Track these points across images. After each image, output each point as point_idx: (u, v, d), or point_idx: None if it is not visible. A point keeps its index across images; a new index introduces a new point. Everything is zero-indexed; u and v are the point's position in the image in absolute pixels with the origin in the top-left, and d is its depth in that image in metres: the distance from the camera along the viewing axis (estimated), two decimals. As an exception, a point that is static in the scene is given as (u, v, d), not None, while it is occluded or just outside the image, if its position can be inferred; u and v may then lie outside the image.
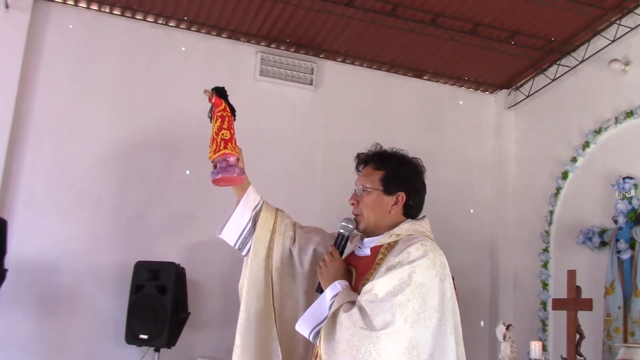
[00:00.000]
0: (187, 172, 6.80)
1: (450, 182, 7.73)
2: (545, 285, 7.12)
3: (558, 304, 5.98)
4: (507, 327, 5.40)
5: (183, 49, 7.13)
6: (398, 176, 2.67)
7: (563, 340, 5.78)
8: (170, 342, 5.99)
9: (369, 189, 2.67)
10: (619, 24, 6.64)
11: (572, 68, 7.26)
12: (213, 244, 6.50)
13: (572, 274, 5.71)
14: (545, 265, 7.16)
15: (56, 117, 6.57)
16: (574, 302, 5.64)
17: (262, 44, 7.44)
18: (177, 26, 7.18)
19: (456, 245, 7.49)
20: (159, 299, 6.02)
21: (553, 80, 7.51)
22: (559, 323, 6.49)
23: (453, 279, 7.45)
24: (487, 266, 7.92)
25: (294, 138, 7.39)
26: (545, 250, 7.19)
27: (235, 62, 7.28)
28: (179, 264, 6.25)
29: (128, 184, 6.72)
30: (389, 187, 2.66)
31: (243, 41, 7.39)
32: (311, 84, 7.49)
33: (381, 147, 2.78)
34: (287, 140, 7.34)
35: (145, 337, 5.98)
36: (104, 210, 6.59)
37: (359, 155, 2.81)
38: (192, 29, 7.22)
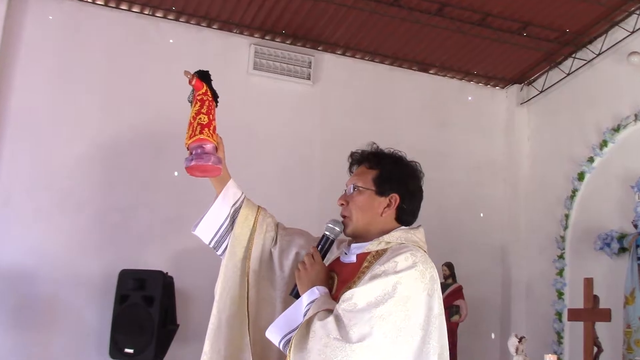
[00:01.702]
0: (176, 173, 6.78)
1: (458, 184, 7.71)
2: (560, 294, 7.10)
3: (574, 315, 5.96)
4: (520, 340, 5.39)
5: (171, 41, 7.11)
6: (393, 177, 2.62)
7: (580, 354, 5.74)
8: (158, 356, 5.96)
9: (361, 189, 2.63)
10: (639, 14, 6.64)
11: (589, 61, 7.24)
12: (203, 250, 6.47)
13: (589, 282, 5.69)
14: (560, 272, 7.14)
15: (35, 114, 6.55)
16: (592, 312, 5.62)
17: (256, 35, 7.43)
18: (164, 17, 7.17)
19: (464, 251, 7.48)
20: (146, 310, 6.00)
21: (568, 74, 7.49)
22: (575, 335, 6.47)
23: (461, 288, 7.44)
24: (497, 274, 7.90)
25: (290, 136, 7.38)
26: (561, 256, 7.18)
27: (227, 55, 7.26)
28: (167, 273, 6.23)
29: (112, 186, 6.70)
30: (382, 188, 2.62)
31: (235, 32, 7.38)
32: (309, 79, 7.48)
33: (377, 146, 2.76)
34: (282, 138, 7.32)
35: (130, 351, 5.94)
36: (86, 214, 6.57)
37: (352, 155, 2.78)
38: (180, 19, 7.21)
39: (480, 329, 7.46)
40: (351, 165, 2.76)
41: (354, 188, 2.65)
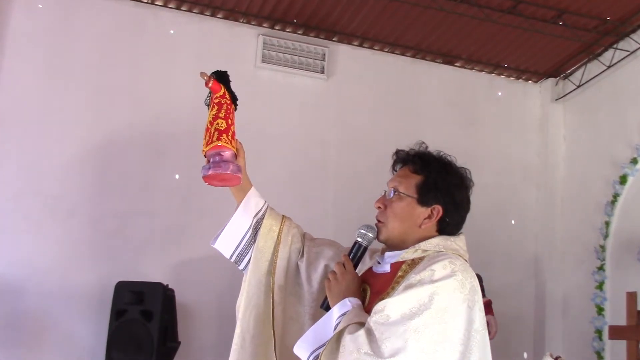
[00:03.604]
0: (177, 176, 6.82)
1: (488, 188, 7.68)
2: (600, 310, 7.07)
3: (616, 332, 5.94)
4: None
5: (171, 32, 7.15)
6: (438, 186, 2.61)
7: (622, 376, 5.76)
8: (157, 376, 6.00)
9: (402, 194, 2.62)
10: (687, 0, 6.62)
11: (632, 52, 7.21)
12: (207, 261, 6.53)
13: (632, 297, 5.67)
14: (600, 286, 7.11)
15: (23, 112, 6.59)
16: (635, 329, 5.60)
17: (265, 25, 7.46)
18: (164, 5, 7.20)
19: (495, 263, 7.46)
20: (144, 325, 6.02)
21: (609, 67, 7.47)
22: (617, 355, 6.45)
23: (491, 303, 7.41)
24: (530, 287, 7.89)
25: (302, 136, 7.40)
26: (600, 268, 7.14)
27: (233, 47, 7.29)
28: (168, 285, 6.26)
29: (107, 191, 6.74)
30: (425, 197, 2.61)
31: (242, 22, 7.41)
32: (322, 72, 7.50)
33: (426, 147, 2.73)
34: (293, 137, 7.34)
35: (127, 370, 5.99)
36: (79, 221, 6.60)
37: (397, 153, 2.76)
38: (182, 8, 7.24)
39: (512, 348, 7.43)
40: (395, 163, 2.73)
41: (394, 192, 2.64)
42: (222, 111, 2.75)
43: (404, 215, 2.61)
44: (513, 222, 7.93)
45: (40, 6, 6.77)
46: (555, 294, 7.73)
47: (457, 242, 2.62)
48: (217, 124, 2.73)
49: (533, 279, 7.91)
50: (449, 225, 2.65)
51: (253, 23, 7.42)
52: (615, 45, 7.39)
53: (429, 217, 2.61)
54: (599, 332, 7.02)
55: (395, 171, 2.74)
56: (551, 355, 5.43)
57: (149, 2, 7.14)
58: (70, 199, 6.60)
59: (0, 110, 6.53)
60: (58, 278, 6.41)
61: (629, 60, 7.28)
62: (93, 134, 6.75)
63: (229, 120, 2.76)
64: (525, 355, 7.61)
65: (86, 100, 6.79)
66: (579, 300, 7.39)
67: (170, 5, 7.20)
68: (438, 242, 2.58)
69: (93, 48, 6.88)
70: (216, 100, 2.77)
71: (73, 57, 6.81)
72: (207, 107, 2.82)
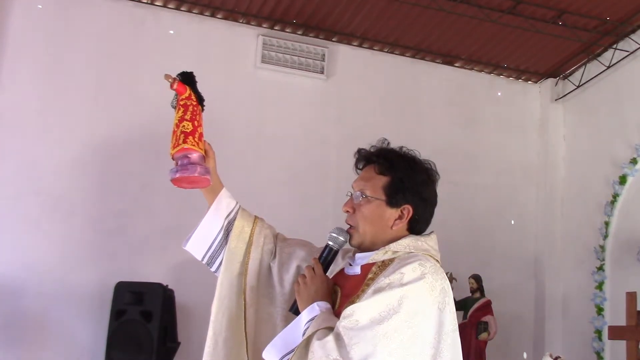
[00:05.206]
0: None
1: (488, 188, 7.67)
2: (600, 310, 7.05)
3: (616, 333, 5.92)
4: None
5: (171, 32, 7.14)
6: (406, 185, 2.55)
7: (622, 376, 5.75)
8: (157, 376, 6.00)
9: (369, 198, 2.59)
10: (687, 0, 6.61)
11: (631, 53, 7.19)
12: (207, 261, 6.52)
13: (632, 297, 5.65)
14: (599, 286, 7.09)
15: (22, 112, 6.57)
16: (635, 330, 5.59)
17: (264, 25, 7.43)
18: (164, 5, 7.18)
19: (494, 263, 7.45)
20: (144, 326, 6.01)
21: (608, 67, 7.44)
22: (616, 355, 6.44)
23: (490, 303, 7.39)
24: (530, 287, 7.86)
25: (302, 136, 7.37)
26: (600, 268, 7.13)
27: (233, 47, 7.27)
28: (167, 285, 6.24)
29: (107, 191, 6.72)
30: (393, 198, 2.55)
31: (242, 22, 7.39)
32: (322, 73, 7.48)
33: (388, 143, 2.70)
34: (294, 138, 7.31)
35: (127, 370, 5.99)
36: (79, 222, 6.59)
37: (359, 151, 2.73)
38: (181, 8, 7.22)
39: (512, 348, 7.42)
40: (357, 162, 2.70)
41: (362, 195, 2.60)
42: (188, 113, 2.72)
43: (375, 218, 2.56)
44: (513, 222, 7.92)
45: (40, 6, 6.76)
46: (555, 295, 7.71)
47: (428, 242, 2.57)
48: (183, 126, 2.71)
49: (533, 279, 7.89)
50: (419, 223, 2.61)
51: (253, 23, 7.41)
52: (615, 46, 7.36)
53: (400, 217, 2.56)
54: (598, 332, 7.00)
55: (360, 169, 2.71)
56: (551, 356, 5.43)
57: (149, 2, 7.13)
58: (70, 199, 6.59)
59: (0, 110, 6.52)
60: (58, 278, 6.39)
61: (629, 60, 7.25)
62: (93, 134, 6.74)
63: (196, 122, 2.73)
64: (525, 355, 7.59)
65: (86, 101, 6.78)
66: (579, 300, 7.37)
67: (170, 6, 7.18)
68: (408, 243, 2.53)
69: (93, 48, 6.87)
70: (182, 102, 2.75)
71: (73, 57, 6.79)
72: (173, 109, 2.81)
